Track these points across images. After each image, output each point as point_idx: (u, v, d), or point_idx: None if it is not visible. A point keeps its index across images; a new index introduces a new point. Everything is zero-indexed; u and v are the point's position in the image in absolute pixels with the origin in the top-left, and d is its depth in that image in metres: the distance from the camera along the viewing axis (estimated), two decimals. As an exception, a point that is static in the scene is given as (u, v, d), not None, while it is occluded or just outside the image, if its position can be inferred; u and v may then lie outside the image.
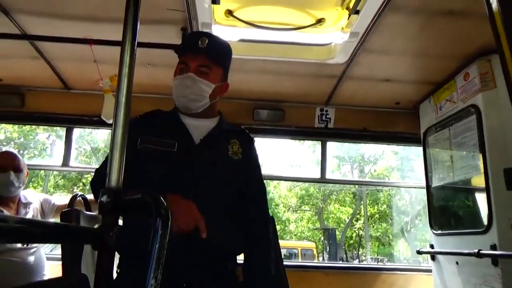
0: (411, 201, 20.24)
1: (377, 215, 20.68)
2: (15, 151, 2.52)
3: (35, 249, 2.34)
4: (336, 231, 19.46)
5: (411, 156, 17.41)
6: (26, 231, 0.56)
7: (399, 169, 19.80)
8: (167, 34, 2.22)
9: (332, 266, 3.13)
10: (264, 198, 1.68)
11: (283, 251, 13.92)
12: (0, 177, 2.27)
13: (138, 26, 1.16)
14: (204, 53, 1.54)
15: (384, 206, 20.48)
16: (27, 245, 2.27)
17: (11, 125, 13.28)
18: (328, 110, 3.01)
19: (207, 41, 1.55)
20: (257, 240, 1.57)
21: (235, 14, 2.34)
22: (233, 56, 2.45)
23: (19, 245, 2.25)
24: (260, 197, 1.66)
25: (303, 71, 2.64)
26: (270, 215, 1.74)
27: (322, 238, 19.98)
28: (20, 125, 13.33)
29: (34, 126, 14.55)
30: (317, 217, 21.80)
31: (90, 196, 2.40)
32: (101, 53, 2.35)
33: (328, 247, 17.42)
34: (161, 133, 1.52)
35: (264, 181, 1.69)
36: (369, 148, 19.95)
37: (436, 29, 2.08)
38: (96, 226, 0.90)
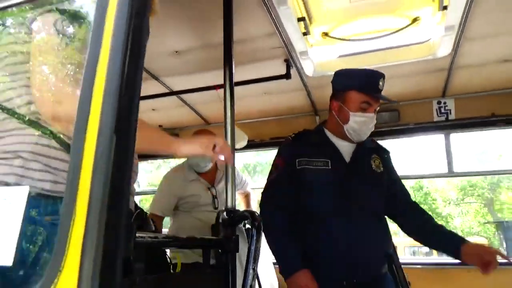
0: None
1: None
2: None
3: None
4: (515, 223, 16.85)
5: None
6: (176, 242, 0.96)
7: None
8: (274, 67, 2.59)
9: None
10: (407, 193, 2.02)
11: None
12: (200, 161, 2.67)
13: (234, 70, 1.55)
14: (380, 96, 1.81)
15: None
16: (216, 208, 2.61)
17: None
18: (447, 102, 2.93)
19: (382, 83, 1.80)
20: (420, 209, 1.94)
21: (330, 34, 2.56)
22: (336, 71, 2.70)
23: (210, 207, 2.62)
24: (405, 193, 2.00)
25: (409, 70, 2.67)
26: None
27: (497, 232, 17.52)
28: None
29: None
30: (487, 209, 19.25)
31: None
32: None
33: (504, 243, 15.20)
34: (314, 152, 1.84)
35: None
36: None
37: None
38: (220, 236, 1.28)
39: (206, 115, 3.44)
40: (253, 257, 1.05)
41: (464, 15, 2.03)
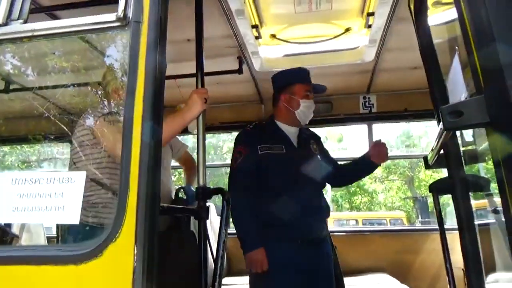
0: None
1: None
2: None
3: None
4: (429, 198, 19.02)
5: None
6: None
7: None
8: (228, 63, 2.96)
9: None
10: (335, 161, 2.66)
11: (371, 223, 14.23)
12: None
13: (204, 63, 1.89)
14: (315, 85, 2.43)
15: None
16: None
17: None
18: (370, 97, 3.50)
19: None
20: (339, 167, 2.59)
21: (278, 36, 2.96)
22: (281, 69, 3.14)
23: None
24: (335, 162, 2.62)
25: (341, 70, 3.18)
26: None
27: (414, 207, 19.66)
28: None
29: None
30: (407, 186, 21.41)
31: None
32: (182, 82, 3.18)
33: (420, 215, 17.21)
34: (270, 140, 2.33)
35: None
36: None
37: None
38: (195, 206, 1.67)
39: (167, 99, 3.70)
40: (225, 221, 1.46)
41: (384, 33, 2.54)
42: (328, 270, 2.31)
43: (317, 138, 2.56)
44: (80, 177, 1.03)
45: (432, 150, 1.27)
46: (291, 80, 2.42)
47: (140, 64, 1.06)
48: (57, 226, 1.82)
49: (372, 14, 2.40)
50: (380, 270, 3.29)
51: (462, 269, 1.39)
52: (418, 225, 13.63)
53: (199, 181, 1.70)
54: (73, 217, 1.01)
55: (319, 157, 2.44)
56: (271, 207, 2.18)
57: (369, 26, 2.53)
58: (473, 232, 1.22)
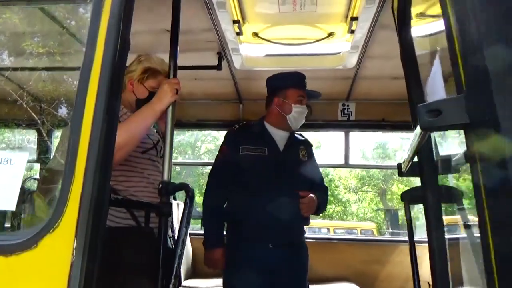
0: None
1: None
2: None
3: None
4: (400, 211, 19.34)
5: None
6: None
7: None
8: (207, 58, 2.87)
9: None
10: (322, 178, 2.58)
11: (342, 232, 14.33)
12: None
13: (181, 55, 1.80)
14: (309, 91, 2.42)
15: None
16: None
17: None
18: (349, 105, 3.48)
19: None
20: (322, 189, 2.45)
21: (260, 35, 2.89)
22: (261, 69, 3.06)
23: None
24: (320, 178, 2.54)
25: (322, 75, 3.14)
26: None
27: (385, 219, 19.97)
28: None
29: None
30: (379, 198, 21.73)
31: None
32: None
33: (390, 227, 17.48)
34: (255, 141, 2.31)
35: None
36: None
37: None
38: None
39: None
40: (186, 219, 1.37)
41: (366, 39, 2.51)
42: (297, 275, 2.29)
43: (308, 145, 2.51)
44: (21, 159, 0.92)
45: (406, 157, 1.22)
46: (286, 84, 2.40)
47: (99, 43, 0.96)
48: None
49: (355, 18, 2.36)
50: (345, 279, 3.25)
51: (428, 283, 1.34)
52: (387, 236, 13.83)
53: (164, 176, 1.61)
54: (9, 203, 0.90)
55: (305, 163, 2.40)
56: (246, 207, 2.19)
57: (352, 32, 2.49)
58: (443, 245, 1.17)
